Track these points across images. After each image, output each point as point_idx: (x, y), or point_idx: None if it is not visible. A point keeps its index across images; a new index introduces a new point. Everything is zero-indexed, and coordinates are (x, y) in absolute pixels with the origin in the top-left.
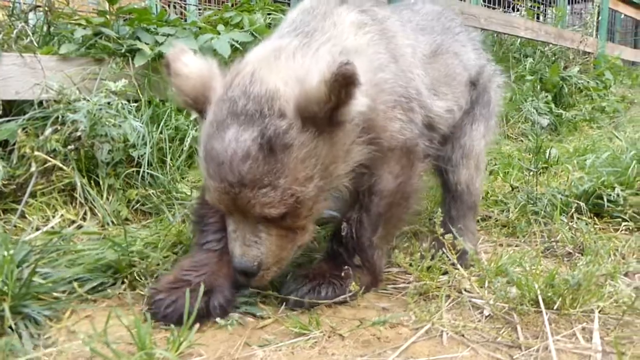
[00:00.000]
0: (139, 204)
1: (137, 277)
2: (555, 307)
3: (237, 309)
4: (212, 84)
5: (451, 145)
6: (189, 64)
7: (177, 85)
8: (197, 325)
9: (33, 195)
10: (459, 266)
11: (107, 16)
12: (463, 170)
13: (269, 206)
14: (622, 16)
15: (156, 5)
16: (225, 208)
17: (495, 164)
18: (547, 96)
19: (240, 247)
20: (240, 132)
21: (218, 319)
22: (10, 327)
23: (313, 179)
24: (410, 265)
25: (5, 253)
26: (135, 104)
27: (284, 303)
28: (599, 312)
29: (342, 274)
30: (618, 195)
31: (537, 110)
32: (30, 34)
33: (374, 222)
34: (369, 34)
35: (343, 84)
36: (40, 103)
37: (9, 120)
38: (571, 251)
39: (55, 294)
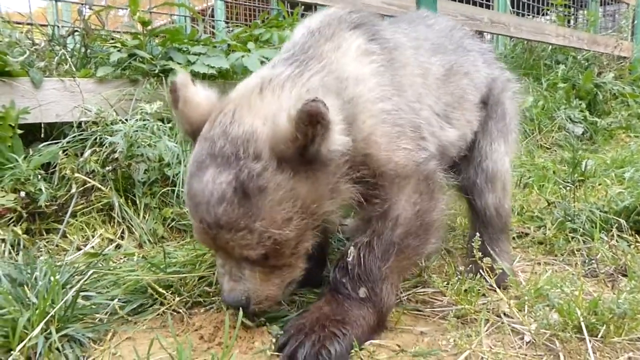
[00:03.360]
0: (174, 222)
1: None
2: (599, 335)
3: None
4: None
5: (473, 169)
6: (198, 92)
7: (184, 113)
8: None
9: (73, 215)
10: (498, 290)
11: (141, 37)
12: (489, 195)
13: (247, 248)
14: None
15: (185, 25)
16: (208, 246)
17: (530, 177)
18: (580, 104)
19: (227, 282)
20: (217, 174)
21: (256, 343)
22: (58, 349)
23: (292, 220)
24: (446, 287)
25: (52, 278)
26: (169, 124)
27: None
28: None
29: (344, 320)
30: None
31: (570, 119)
32: (69, 58)
33: (386, 250)
34: (374, 64)
35: (308, 122)
36: (79, 125)
37: (50, 143)
38: (613, 272)
39: (98, 316)
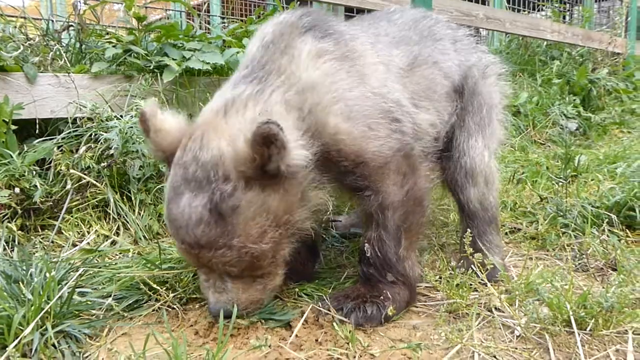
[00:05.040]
0: None
1: (170, 294)
2: (587, 328)
3: (272, 317)
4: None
5: (453, 165)
6: (167, 119)
7: (156, 141)
8: (230, 345)
9: (68, 211)
10: (489, 285)
11: (136, 33)
12: (471, 189)
13: (228, 264)
14: None
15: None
16: (192, 264)
17: (523, 173)
18: (574, 99)
19: (212, 294)
20: (192, 198)
21: (252, 339)
22: (54, 345)
23: (267, 232)
24: (439, 282)
25: (48, 274)
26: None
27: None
28: (633, 332)
29: (381, 297)
30: None
31: (564, 114)
32: (64, 54)
33: (395, 236)
34: (327, 63)
35: (262, 143)
36: (75, 121)
37: (45, 139)
38: (603, 267)
39: (93, 312)
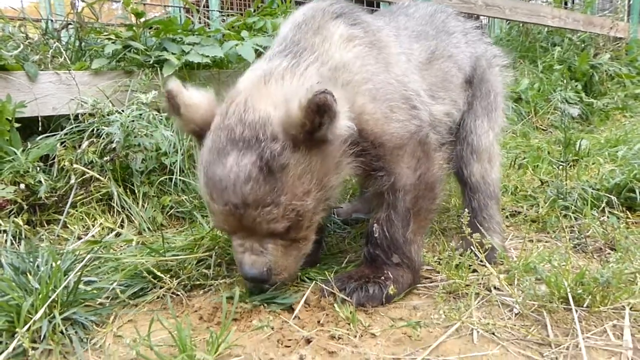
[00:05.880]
0: (172, 210)
1: (174, 281)
2: (585, 305)
3: (275, 300)
4: (216, 112)
5: (460, 144)
6: (194, 95)
7: (188, 116)
8: (234, 327)
9: (73, 205)
10: (487, 264)
11: (135, 29)
12: (475, 165)
13: (274, 222)
14: None
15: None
16: (231, 228)
17: (524, 158)
18: (576, 85)
19: (249, 256)
20: (240, 157)
21: (255, 321)
22: (62, 332)
23: (311, 192)
24: (439, 263)
25: (54, 264)
26: (165, 113)
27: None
28: (630, 309)
29: (384, 277)
30: None
31: (566, 100)
32: (64, 52)
33: (404, 218)
34: (358, 47)
35: (316, 111)
36: (76, 117)
37: (48, 136)
38: (602, 247)
39: (99, 300)
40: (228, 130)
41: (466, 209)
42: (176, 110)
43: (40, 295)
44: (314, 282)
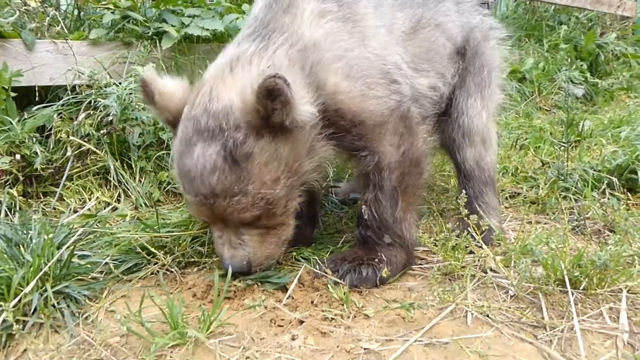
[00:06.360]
0: (170, 185)
1: (169, 258)
2: (582, 287)
3: (269, 280)
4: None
5: (451, 126)
6: (168, 83)
7: (162, 104)
8: (226, 306)
9: (70, 178)
10: (484, 245)
11: None
12: (468, 149)
13: (244, 211)
14: None
15: None
16: (206, 218)
17: (526, 139)
18: (582, 65)
19: (228, 250)
20: (206, 147)
21: (246, 301)
22: (53, 306)
23: (280, 179)
24: (435, 245)
25: (46, 237)
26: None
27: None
28: (627, 291)
29: (377, 259)
30: None
31: (571, 80)
32: (61, 21)
33: (391, 197)
34: (330, 22)
35: (267, 96)
36: (74, 88)
37: (45, 106)
38: (601, 229)
39: (93, 275)
40: (194, 121)
41: (463, 191)
42: (150, 99)
43: (31, 268)
44: (309, 262)
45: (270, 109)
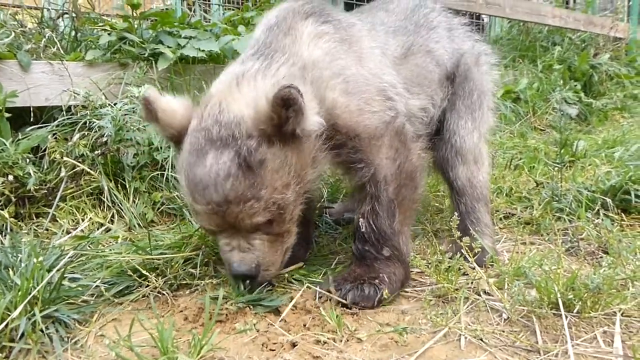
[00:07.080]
0: (164, 206)
1: (160, 280)
2: (575, 310)
3: (261, 303)
4: (192, 117)
5: (444, 145)
6: (170, 101)
7: (166, 121)
8: (218, 329)
9: (63, 199)
10: (477, 268)
11: (131, 20)
12: (460, 167)
13: (256, 216)
14: None
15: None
16: (216, 227)
17: (521, 159)
18: (576, 85)
19: (237, 254)
20: (219, 155)
21: (237, 324)
22: (42, 330)
23: (290, 185)
24: (428, 267)
25: (35, 259)
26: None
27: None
28: (621, 314)
29: (377, 279)
30: None
31: (565, 100)
32: (58, 42)
33: (388, 209)
34: (327, 43)
35: (282, 105)
36: (69, 109)
37: (39, 127)
38: (595, 250)
39: (83, 298)
40: (205, 131)
41: (455, 212)
42: (154, 116)
43: (19, 292)
44: (302, 284)
45: (284, 117)
